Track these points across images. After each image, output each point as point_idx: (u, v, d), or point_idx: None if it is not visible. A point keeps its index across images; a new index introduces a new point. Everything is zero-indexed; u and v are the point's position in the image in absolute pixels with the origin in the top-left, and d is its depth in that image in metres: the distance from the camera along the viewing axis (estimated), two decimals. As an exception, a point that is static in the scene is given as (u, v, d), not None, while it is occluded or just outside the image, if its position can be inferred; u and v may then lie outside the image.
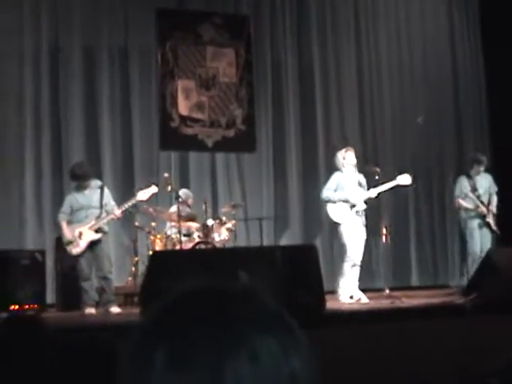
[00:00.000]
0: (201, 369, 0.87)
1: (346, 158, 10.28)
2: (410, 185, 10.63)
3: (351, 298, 9.86)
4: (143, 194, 9.75)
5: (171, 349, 0.89)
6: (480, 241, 10.94)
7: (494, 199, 11.14)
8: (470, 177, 11.15)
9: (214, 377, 0.86)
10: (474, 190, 11.02)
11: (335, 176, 10.37)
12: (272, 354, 0.89)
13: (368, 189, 10.27)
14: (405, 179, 10.31)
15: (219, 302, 0.93)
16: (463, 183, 11.15)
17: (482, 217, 10.98)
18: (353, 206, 10.06)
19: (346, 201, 10.06)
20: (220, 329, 0.89)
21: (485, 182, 11.16)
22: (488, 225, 10.97)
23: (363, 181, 10.34)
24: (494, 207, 11.06)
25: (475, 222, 11.02)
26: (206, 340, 0.88)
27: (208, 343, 0.88)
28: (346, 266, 9.97)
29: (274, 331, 0.91)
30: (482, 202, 10.97)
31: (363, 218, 10.20)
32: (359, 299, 9.78)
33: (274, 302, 0.96)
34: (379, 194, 10.31)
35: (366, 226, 10.26)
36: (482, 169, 11.17)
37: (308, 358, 0.93)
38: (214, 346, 0.88)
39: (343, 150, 10.42)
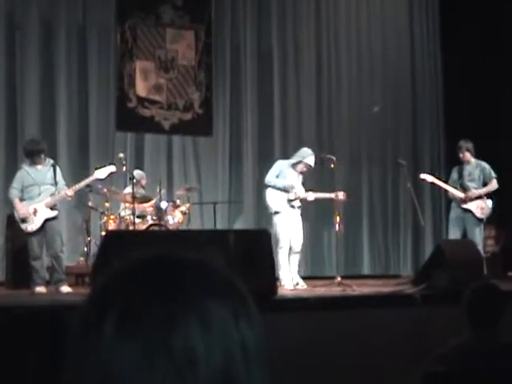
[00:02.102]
0: (150, 335, 0.86)
1: (308, 160, 10.29)
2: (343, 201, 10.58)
3: (297, 285, 9.90)
4: (101, 173, 9.65)
5: (120, 316, 0.88)
6: (463, 230, 10.82)
7: (489, 185, 10.84)
8: (461, 166, 11.09)
9: (163, 343, 0.86)
10: (460, 177, 10.95)
11: (280, 164, 10.42)
12: (223, 322, 0.89)
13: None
14: (340, 195, 10.33)
15: (170, 269, 0.93)
16: (452, 172, 11.15)
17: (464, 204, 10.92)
18: (290, 200, 10.10)
19: (286, 190, 10.10)
20: (170, 295, 0.89)
21: (475, 170, 10.98)
22: (471, 212, 10.82)
23: (302, 180, 10.41)
24: (483, 194, 10.89)
25: (454, 212, 10.89)
26: (155, 306, 0.88)
27: (158, 309, 0.87)
28: (282, 254, 9.96)
29: (225, 299, 0.91)
30: (464, 189, 10.86)
31: (300, 210, 10.28)
32: (297, 284, 9.84)
33: (228, 270, 0.96)
34: (316, 199, 10.40)
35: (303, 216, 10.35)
36: (466, 157, 11.05)
37: (259, 328, 0.93)
38: (164, 312, 0.87)
39: (310, 153, 10.40)
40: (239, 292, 0.94)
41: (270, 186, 10.20)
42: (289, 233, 10.04)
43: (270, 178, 10.25)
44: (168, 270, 0.92)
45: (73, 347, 0.91)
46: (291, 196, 10.10)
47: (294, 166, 10.29)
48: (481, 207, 10.76)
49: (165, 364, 0.85)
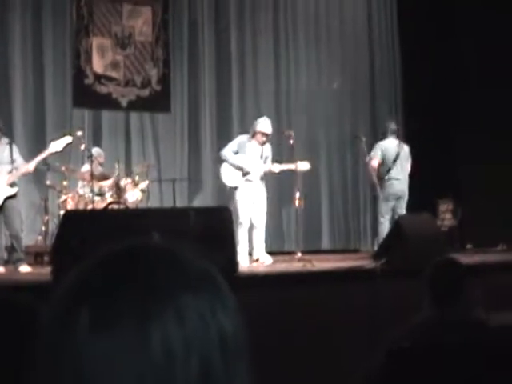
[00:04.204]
0: (126, 330, 0.85)
1: (260, 127, 10.18)
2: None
3: (257, 260, 9.88)
4: (56, 145, 9.50)
5: (95, 313, 0.86)
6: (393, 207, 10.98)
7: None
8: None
9: (140, 338, 0.84)
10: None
11: (240, 138, 10.32)
12: (199, 314, 0.87)
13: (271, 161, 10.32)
14: (304, 165, 10.28)
15: (143, 262, 0.91)
16: None
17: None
18: (245, 173, 10.04)
19: (240, 168, 10.04)
20: (145, 290, 0.87)
21: (391, 151, 11.06)
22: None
23: (268, 153, 10.28)
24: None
25: None
26: (130, 302, 0.86)
27: (132, 305, 0.86)
28: (241, 231, 9.89)
29: (200, 290, 0.90)
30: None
31: (262, 184, 10.19)
32: (263, 262, 9.82)
33: (200, 259, 0.95)
34: (281, 171, 10.37)
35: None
36: (389, 137, 11.11)
37: (237, 318, 0.92)
38: (139, 308, 0.86)
39: (263, 120, 10.33)
40: (213, 280, 0.93)
41: (224, 161, 10.13)
42: (249, 209, 9.99)
43: (227, 152, 10.14)
44: (141, 264, 0.90)
45: (45, 344, 0.89)
46: (246, 170, 10.01)
47: (252, 138, 10.22)
48: None
49: (142, 359, 0.84)
